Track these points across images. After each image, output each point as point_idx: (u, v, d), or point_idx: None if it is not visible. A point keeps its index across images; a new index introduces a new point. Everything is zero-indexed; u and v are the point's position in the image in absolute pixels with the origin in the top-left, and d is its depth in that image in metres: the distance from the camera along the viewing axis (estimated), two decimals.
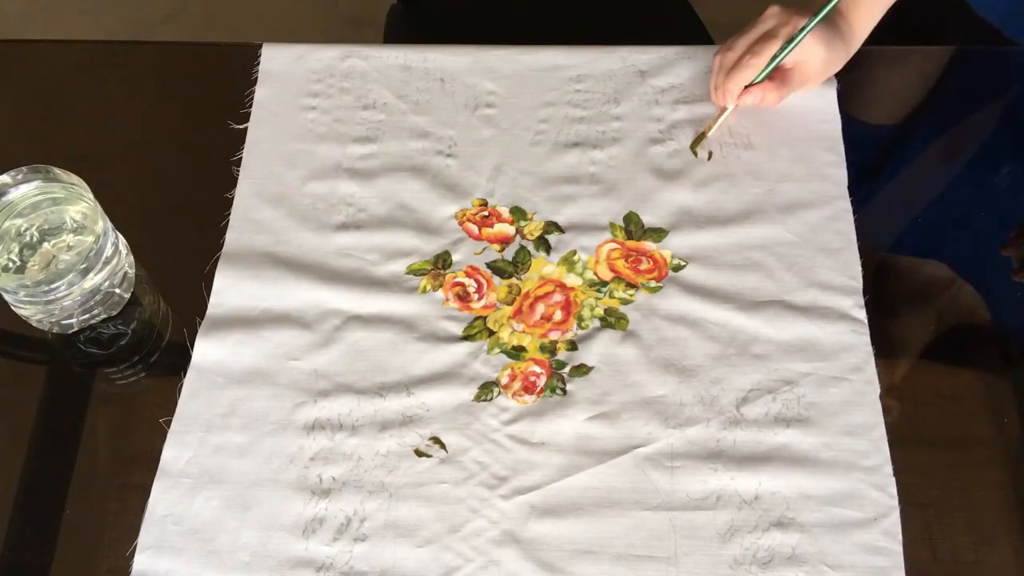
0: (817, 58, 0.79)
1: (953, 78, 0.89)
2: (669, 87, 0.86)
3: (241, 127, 0.85)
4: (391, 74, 0.88)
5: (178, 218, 0.81)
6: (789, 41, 0.78)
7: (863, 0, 0.81)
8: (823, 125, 0.83)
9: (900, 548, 0.65)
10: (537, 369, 0.73)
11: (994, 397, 0.72)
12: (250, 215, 0.80)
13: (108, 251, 0.73)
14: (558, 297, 0.76)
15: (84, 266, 0.71)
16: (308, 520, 0.67)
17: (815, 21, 0.77)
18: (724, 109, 0.81)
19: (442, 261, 0.78)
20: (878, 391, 0.71)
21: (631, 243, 0.78)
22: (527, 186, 0.81)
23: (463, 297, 0.76)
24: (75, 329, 0.75)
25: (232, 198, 0.81)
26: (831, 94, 0.85)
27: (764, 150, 0.82)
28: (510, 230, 0.79)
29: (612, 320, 0.74)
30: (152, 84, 0.90)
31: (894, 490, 0.67)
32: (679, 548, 0.66)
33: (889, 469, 0.68)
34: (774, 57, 0.78)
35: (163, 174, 0.84)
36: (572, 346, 0.74)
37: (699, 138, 0.82)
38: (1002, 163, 0.84)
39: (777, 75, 0.80)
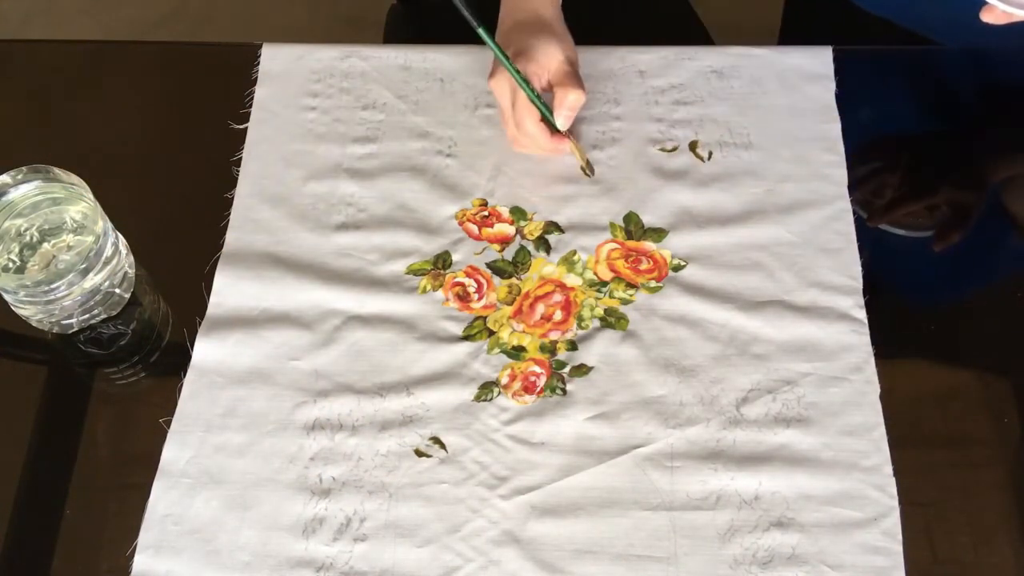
0: (552, 52, 0.78)
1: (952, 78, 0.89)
2: (669, 87, 0.86)
3: (241, 127, 0.85)
4: (391, 74, 0.88)
5: (178, 218, 0.81)
6: (519, 84, 0.76)
7: None
8: (823, 125, 0.83)
9: (900, 548, 0.65)
10: (537, 369, 0.73)
11: (994, 397, 0.72)
12: (250, 215, 0.80)
13: (108, 251, 0.73)
14: (558, 297, 0.76)
15: (84, 266, 0.71)
16: (308, 520, 0.67)
17: (505, 62, 0.75)
18: (569, 141, 0.80)
19: (442, 261, 0.78)
20: (878, 391, 0.71)
21: (631, 243, 0.78)
22: (527, 186, 0.81)
23: (463, 297, 0.76)
24: (75, 329, 0.75)
25: (232, 198, 0.81)
26: (831, 95, 0.85)
27: (764, 150, 0.82)
28: (510, 230, 0.79)
29: (612, 320, 0.74)
30: (152, 84, 0.90)
31: (894, 490, 0.67)
32: (679, 548, 0.66)
33: (889, 469, 0.68)
34: (528, 92, 0.76)
35: (163, 174, 0.84)
36: (572, 346, 0.74)
37: (586, 168, 0.81)
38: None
39: (555, 89, 0.77)
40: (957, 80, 0.89)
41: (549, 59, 0.77)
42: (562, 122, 0.78)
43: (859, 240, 0.77)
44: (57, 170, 0.73)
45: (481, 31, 0.74)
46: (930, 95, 0.89)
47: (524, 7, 0.81)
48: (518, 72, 0.76)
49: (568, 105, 0.77)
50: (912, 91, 0.89)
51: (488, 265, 0.78)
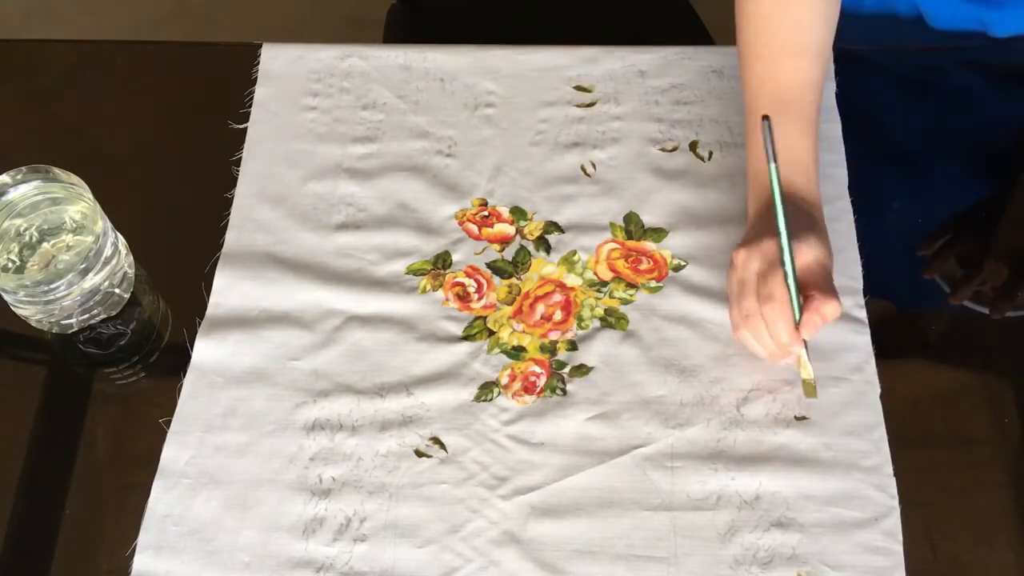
0: (813, 247, 0.67)
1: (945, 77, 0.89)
2: (669, 87, 0.86)
3: (241, 127, 0.85)
4: (391, 74, 0.88)
5: (178, 218, 0.81)
6: (782, 260, 0.65)
7: (803, 168, 0.72)
8: (823, 125, 0.83)
9: (900, 548, 0.65)
10: (537, 369, 0.73)
11: (994, 397, 0.72)
12: (250, 215, 0.80)
13: (108, 251, 0.73)
14: (558, 297, 0.76)
15: (84, 266, 0.71)
16: (308, 520, 0.67)
17: (782, 223, 0.64)
18: (804, 349, 0.68)
19: (442, 261, 0.78)
20: (878, 391, 0.70)
21: (631, 243, 0.78)
22: (527, 186, 0.81)
23: (463, 297, 0.76)
24: (75, 329, 0.75)
25: (232, 198, 0.81)
26: (831, 94, 0.85)
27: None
28: (510, 230, 0.79)
29: (612, 320, 0.74)
30: (152, 84, 0.90)
31: (894, 490, 0.67)
32: (679, 548, 0.66)
33: (889, 469, 0.68)
34: (787, 283, 0.65)
35: (163, 174, 0.84)
36: (572, 346, 0.74)
37: (808, 387, 0.70)
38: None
39: (812, 292, 0.66)
40: (958, 80, 0.89)
41: (812, 255, 0.66)
42: (810, 329, 0.65)
43: (859, 240, 0.77)
44: (57, 170, 0.73)
45: (773, 174, 0.63)
46: (930, 95, 0.89)
47: (791, 180, 0.70)
48: (791, 253, 0.64)
49: (823, 314, 0.65)
50: (912, 91, 0.89)
51: (488, 265, 0.78)
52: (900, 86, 0.88)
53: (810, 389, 0.69)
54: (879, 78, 0.88)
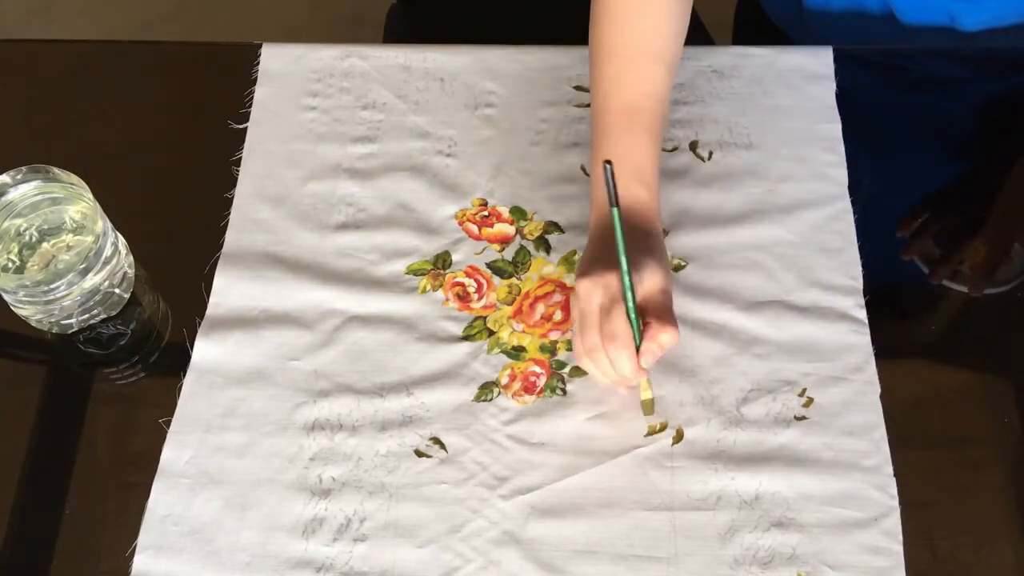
0: (653, 274, 0.67)
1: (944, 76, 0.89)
2: None
3: (241, 127, 0.85)
4: (391, 74, 0.88)
5: (178, 218, 0.81)
6: (624, 296, 0.65)
7: (647, 180, 0.71)
8: (823, 125, 0.83)
9: (900, 548, 0.65)
10: (537, 369, 0.73)
11: (994, 397, 0.72)
12: (250, 215, 0.80)
13: (108, 251, 0.73)
14: (558, 297, 0.76)
15: (84, 266, 0.71)
16: (308, 520, 0.67)
17: (624, 263, 0.63)
18: (645, 377, 0.69)
19: (442, 261, 0.78)
20: (878, 391, 0.70)
21: None
22: (527, 186, 0.81)
23: (463, 297, 0.76)
24: (75, 329, 0.75)
25: (232, 198, 0.81)
26: (831, 95, 0.85)
27: (764, 150, 0.82)
28: (510, 230, 0.79)
29: None
30: (152, 84, 0.90)
31: (894, 490, 0.67)
32: (679, 548, 0.66)
33: (889, 469, 0.68)
34: (630, 318, 0.65)
35: (163, 174, 0.84)
36: (572, 346, 0.74)
37: (647, 405, 0.70)
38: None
39: (649, 320, 0.66)
40: (958, 80, 0.89)
41: (652, 284, 0.67)
42: (649, 359, 0.67)
43: (859, 240, 0.77)
44: (57, 170, 0.73)
45: (616, 217, 0.63)
46: (930, 95, 0.89)
47: (635, 195, 0.70)
48: (632, 290, 0.64)
49: (660, 343, 0.66)
50: (912, 91, 0.89)
51: (488, 265, 0.78)
52: (900, 86, 0.88)
53: (648, 407, 0.69)
54: (879, 78, 0.88)
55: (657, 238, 0.70)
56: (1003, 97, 0.88)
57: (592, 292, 0.67)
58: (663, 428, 0.70)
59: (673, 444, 0.69)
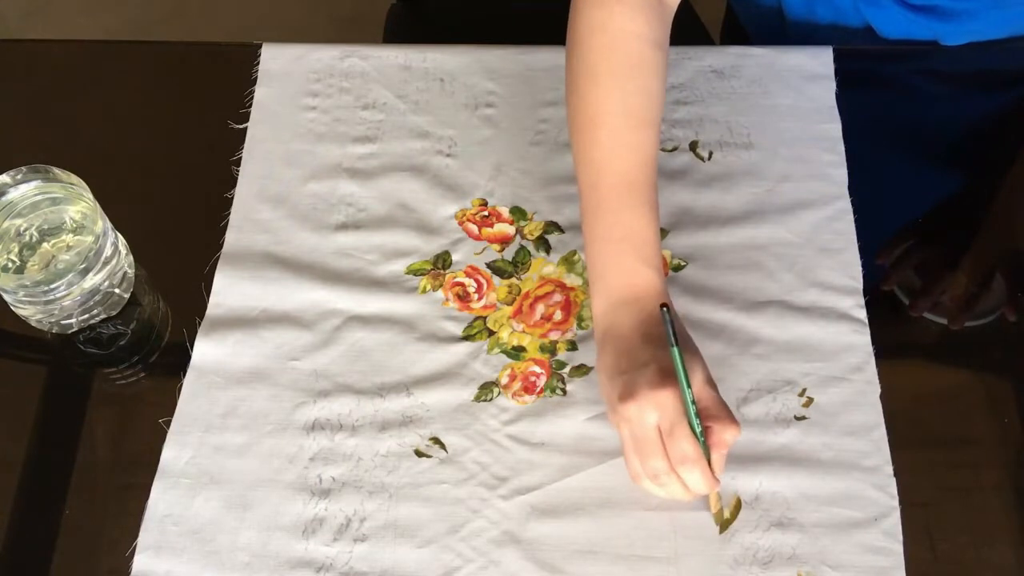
0: (697, 369, 0.63)
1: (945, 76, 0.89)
2: (669, 87, 0.86)
3: (241, 127, 0.85)
4: (391, 74, 0.88)
5: (178, 218, 0.81)
6: (687, 414, 0.61)
7: (653, 252, 0.67)
8: (823, 125, 0.83)
9: (900, 548, 0.65)
10: (537, 369, 0.73)
11: (994, 397, 0.72)
12: (250, 215, 0.80)
13: (108, 251, 0.73)
14: (558, 297, 0.76)
15: (84, 266, 0.71)
16: (308, 520, 0.67)
17: (684, 380, 0.60)
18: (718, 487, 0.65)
19: (442, 261, 0.78)
20: (878, 391, 0.71)
21: None
22: (527, 186, 0.81)
23: (463, 297, 0.76)
24: (75, 329, 0.75)
25: (232, 198, 0.81)
26: (831, 95, 0.85)
27: (764, 150, 0.82)
28: (510, 230, 0.79)
29: None
30: (152, 84, 0.90)
31: (894, 490, 0.67)
32: (679, 548, 0.66)
33: (889, 469, 0.68)
34: (694, 431, 0.61)
35: (163, 174, 0.84)
36: (572, 346, 0.74)
37: (719, 518, 0.67)
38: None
39: (709, 424, 0.62)
40: (958, 79, 0.89)
41: (698, 380, 0.62)
42: (720, 467, 0.63)
43: (859, 240, 0.77)
44: (56, 170, 0.73)
45: (677, 357, 0.60)
46: (930, 95, 0.89)
47: (645, 285, 0.66)
48: (694, 403, 0.61)
49: (727, 444, 0.62)
50: (912, 91, 0.89)
51: (488, 265, 0.78)
52: (900, 86, 0.88)
53: (720, 518, 0.66)
54: (879, 78, 0.88)
55: (677, 319, 0.66)
56: (1000, 104, 0.88)
57: (644, 413, 0.61)
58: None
59: None
